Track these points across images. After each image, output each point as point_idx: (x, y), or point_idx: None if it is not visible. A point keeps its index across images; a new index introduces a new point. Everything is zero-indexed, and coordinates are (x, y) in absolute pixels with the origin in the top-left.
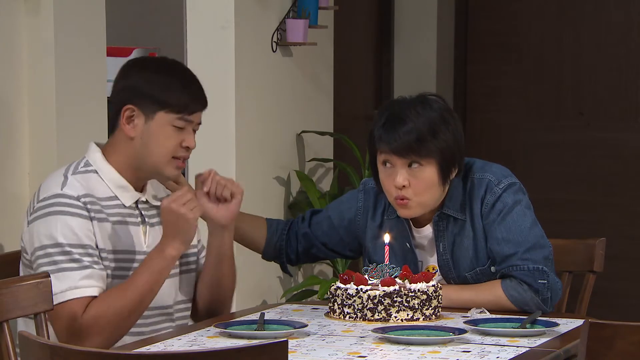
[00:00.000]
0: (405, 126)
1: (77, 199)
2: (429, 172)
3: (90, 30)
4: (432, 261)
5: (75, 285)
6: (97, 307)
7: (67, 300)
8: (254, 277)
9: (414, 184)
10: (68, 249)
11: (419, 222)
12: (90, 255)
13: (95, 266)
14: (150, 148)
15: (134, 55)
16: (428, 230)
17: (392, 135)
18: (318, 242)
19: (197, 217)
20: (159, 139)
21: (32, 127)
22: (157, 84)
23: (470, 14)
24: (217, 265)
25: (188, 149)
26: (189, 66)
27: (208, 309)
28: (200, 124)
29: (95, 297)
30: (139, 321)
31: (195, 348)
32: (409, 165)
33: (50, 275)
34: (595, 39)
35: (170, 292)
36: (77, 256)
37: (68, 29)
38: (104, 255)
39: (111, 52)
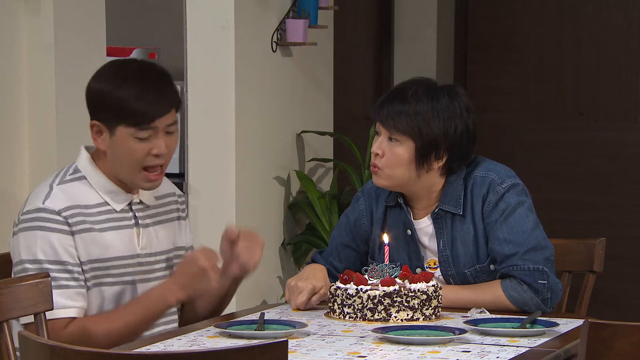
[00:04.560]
0: (400, 102)
1: (58, 213)
2: (402, 150)
3: (90, 30)
4: (433, 257)
5: (54, 305)
6: (78, 329)
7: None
8: (254, 277)
9: (387, 156)
10: (47, 265)
11: (416, 214)
12: (68, 271)
13: (72, 283)
14: (119, 161)
15: (134, 55)
16: (426, 223)
17: (384, 105)
18: (343, 269)
19: (215, 278)
20: (124, 152)
21: (32, 127)
22: (113, 97)
23: (470, 14)
24: (218, 302)
25: (159, 156)
26: (189, 66)
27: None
28: (173, 124)
29: (73, 318)
30: None
31: (195, 348)
32: (390, 139)
33: None
34: (595, 39)
35: None
36: (55, 274)
37: (68, 29)
38: (93, 265)
39: (111, 52)
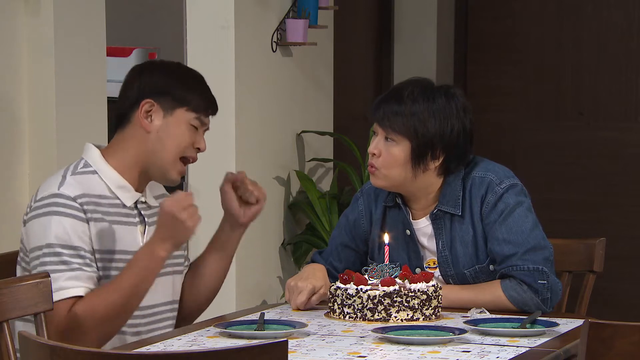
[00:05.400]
0: (396, 102)
1: (74, 199)
2: (398, 150)
3: (90, 30)
4: (432, 256)
5: (60, 287)
6: (83, 307)
7: (54, 303)
8: (254, 277)
9: (383, 156)
10: (59, 249)
11: (415, 214)
12: (81, 257)
13: (85, 268)
14: (165, 143)
15: (134, 55)
16: (424, 223)
17: (380, 105)
18: (342, 269)
19: (196, 225)
20: (174, 135)
21: (32, 127)
22: (179, 82)
23: (470, 14)
24: (219, 260)
25: (198, 150)
26: (189, 66)
27: (194, 301)
28: (208, 129)
29: (80, 296)
30: (136, 321)
31: (195, 348)
32: (386, 139)
33: None
34: (595, 39)
35: (164, 291)
36: (66, 258)
37: (68, 29)
38: (101, 256)
39: (111, 52)
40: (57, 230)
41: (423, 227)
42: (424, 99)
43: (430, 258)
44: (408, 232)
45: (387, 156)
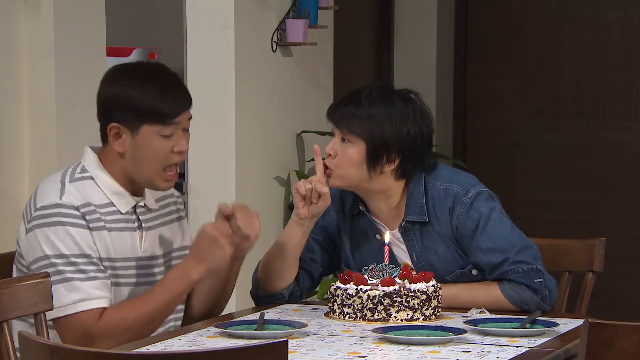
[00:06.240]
0: (354, 105)
1: (77, 209)
2: (353, 151)
3: (90, 30)
4: (406, 260)
5: (87, 296)
6: (112, 317)
7: (80, 312)
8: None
9: (339, 157)
10: (73, 259)
11: (386, 224)
12: (94, 264)
13: (100, 275)
14: (141, 161)
15: (134, 55)
16: (395, 235)
17: (338, 106)
18: (307, 259)
19: (231, 252)
20: (148, 151)
21: (32, 128)
22: (135, 96)
23: (470, 14)
24: (222, 288)
25: (181, 153)
26: (189, 66)
27: (201, 315)
28: (190, 119)
29: (105, 308)
30: None
31: (195, 348)
32: (343, 140)
33: (56, 285)
34: (595, 39)
35: None
36: (82, 266)
37: (68, 29)
38: (104, 264)
39: (111, 52)
40: (65, 241)
41: (395, 239)
42: (381, 102)
43: (404, 261)
44: (378, 236)
45: (342, 156)
